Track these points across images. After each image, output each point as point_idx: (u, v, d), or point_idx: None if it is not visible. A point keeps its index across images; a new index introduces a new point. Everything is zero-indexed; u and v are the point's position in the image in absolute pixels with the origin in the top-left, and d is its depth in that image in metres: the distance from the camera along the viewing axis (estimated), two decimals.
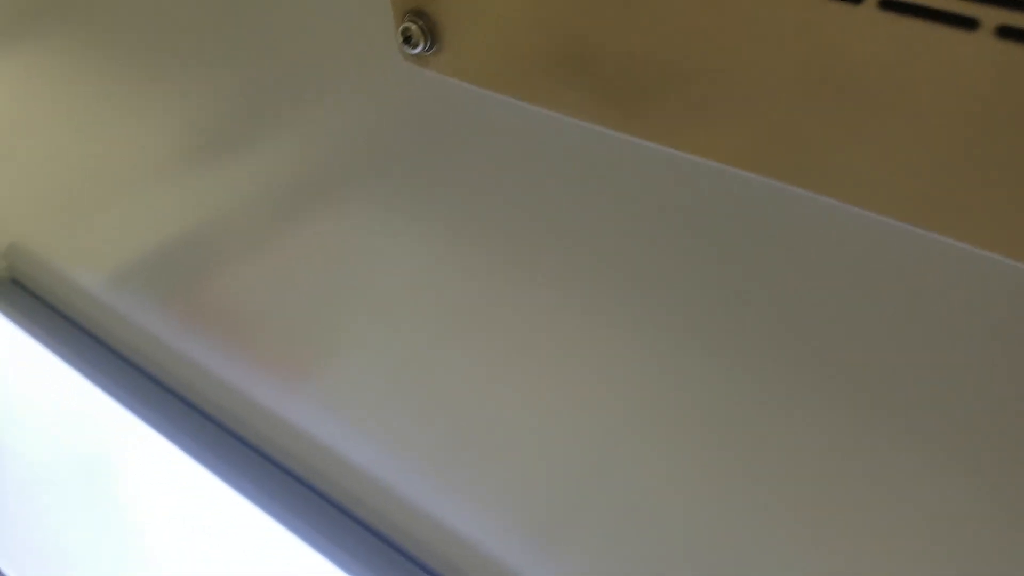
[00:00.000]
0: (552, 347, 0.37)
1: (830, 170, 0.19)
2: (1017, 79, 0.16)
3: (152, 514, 0.73)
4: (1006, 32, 0.15)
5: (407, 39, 0.23)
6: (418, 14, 0.22)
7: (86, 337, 0.75)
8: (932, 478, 0.27)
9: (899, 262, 0.23)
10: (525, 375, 0.40)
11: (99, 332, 0.75)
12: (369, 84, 0.32)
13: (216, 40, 0.41)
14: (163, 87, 0.47)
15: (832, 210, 0.23)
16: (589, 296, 0.34)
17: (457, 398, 0.44)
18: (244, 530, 0.63)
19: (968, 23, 0.16)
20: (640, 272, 0.31)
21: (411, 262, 0.41)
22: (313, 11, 0.34)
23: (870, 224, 0.22)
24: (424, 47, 0.23)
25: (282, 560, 0.61)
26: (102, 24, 0.48)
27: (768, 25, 0.18)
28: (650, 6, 0.19)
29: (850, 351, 0.26)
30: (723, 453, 0.34)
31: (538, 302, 0.36)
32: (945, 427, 0.26)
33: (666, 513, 0.38)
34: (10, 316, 0.79)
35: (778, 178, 0.20)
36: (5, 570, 0.93)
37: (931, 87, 0.17)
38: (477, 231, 0.36)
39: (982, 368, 0.23)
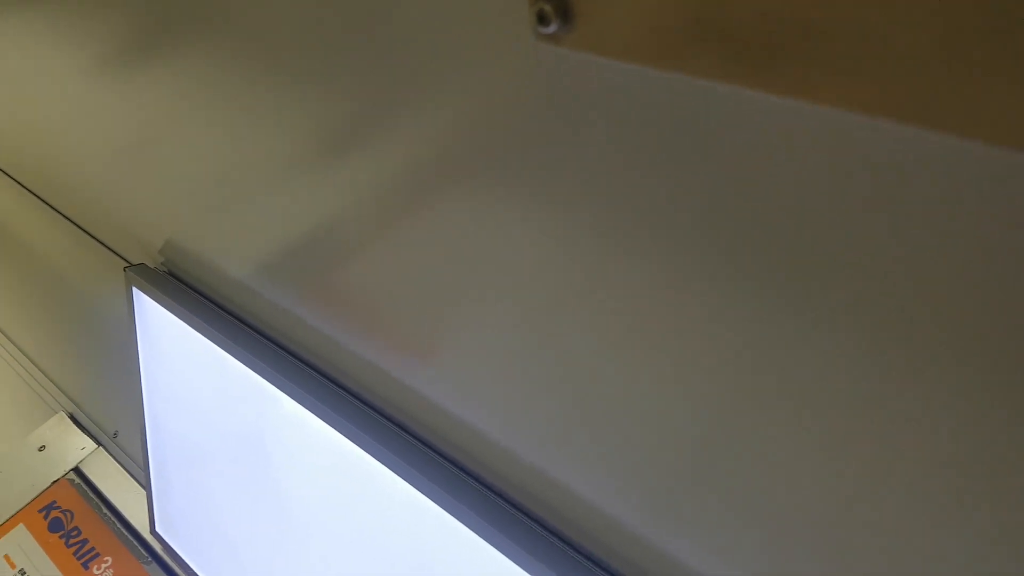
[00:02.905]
0: (662, 326, 0.38)
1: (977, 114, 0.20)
2: None
3: (297, 478, 0.78)
4: None
5: (541, 19, 0.25)
6: None
7: (233, 321, 0.82)
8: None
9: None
10: (635, 351, 0.40)
11: (245, 316, 0.81)
12: (498, 69, 0.34)
13: (346, 46, 0.43)
14: (297, 93, 0.50)
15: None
16: (705, 278, 0.34)
17: (572, 372, 0.45)
18: (380, 493, 0.67)
19: None
20: (759, 258, 0.31)
21: (527, 246, 0.42)
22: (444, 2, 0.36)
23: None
24: (557, 26, 0.25)
25: (413, 520, 0.65)
26: (241, 40, 0.52)
27: None
28: None
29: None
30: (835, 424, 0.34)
31: (654, 283, 0.37)
32: None
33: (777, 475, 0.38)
34: (167, 305, 0.88)
35: (899, 119, 0.21)
36: (165, 536, 1.03)
37: None
38: (590, 213, 0.37)
39: None
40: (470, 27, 0.35)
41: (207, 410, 0.90)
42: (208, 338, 0.83)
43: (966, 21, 0.19)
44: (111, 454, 1.20)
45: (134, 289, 0.94)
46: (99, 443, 1.22)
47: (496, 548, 0.57)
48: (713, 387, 0.39)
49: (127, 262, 1.00)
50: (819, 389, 0.34)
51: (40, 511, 1.09)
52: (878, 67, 0.19)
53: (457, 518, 0.60)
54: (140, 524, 1.08)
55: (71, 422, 1.25)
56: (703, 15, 0.21)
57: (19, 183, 1.16)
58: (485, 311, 0.49)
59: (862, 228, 0.27)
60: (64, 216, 1.09)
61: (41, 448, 1.20)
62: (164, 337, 0.93)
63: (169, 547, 1.02)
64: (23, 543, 1.06)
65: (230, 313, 0.84)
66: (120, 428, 1.18)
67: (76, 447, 1.20)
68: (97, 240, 1.05)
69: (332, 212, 0.56)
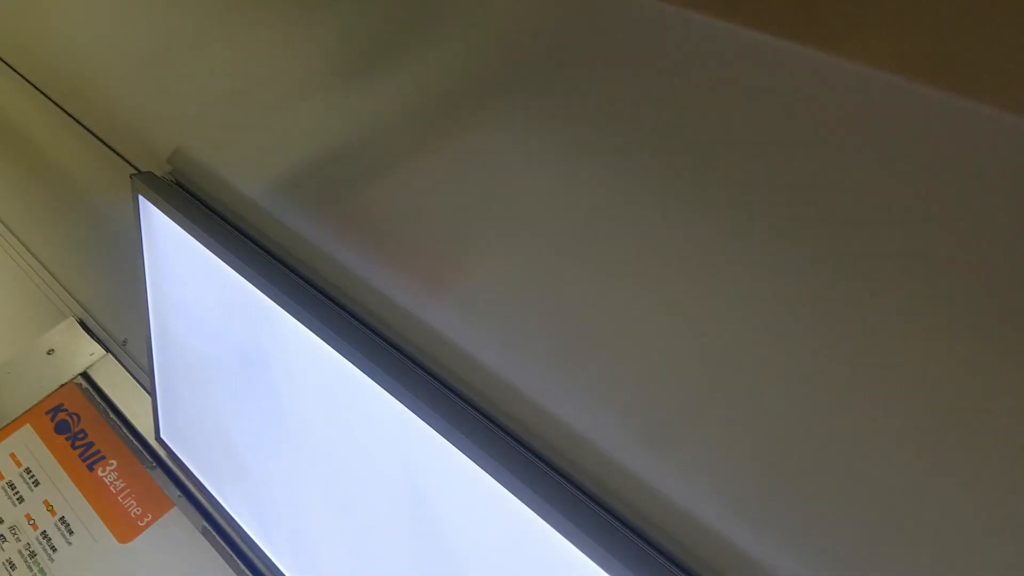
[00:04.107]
0: (672, 261, 0.36)
1: None
2: None
3: (296, 394, 0.79)
4: None
5: None
6: None
7: (238, 235, 0.81)
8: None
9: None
10: (648, 284, 0.39)
11: (252, 232, 0.80)
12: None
13: None
14: (315, 9, 0.48)
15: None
16: (720, 216, 0.32)
17: (583, 304, 0.44)
18: (375, 410, 0.67)
19: None
20: (761, 188, 0.29)
21: (542, 176, 0.40)
22: None
23: None
24: None
25: (407, 440, 0.65)
26: None
27: None
28: None
29: None
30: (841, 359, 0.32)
31: (666, 219, 0.35)
32: None
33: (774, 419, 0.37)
34: (172, 215, 0.86)
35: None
36: (170, 443, 1.05)
37: None
38: (597, 145, 0.35)
39: None
40: None
41: (210, 322, 0.90)
42: (211, 251, 0.82)
43: None
44: (120, 361, 1.21)
45: (140, 197, 0.93)
46: (108, 350, 1.23)
47: (483, 468, 0.57)
48: (725, 323, 0.37)
49: (136, 169, 0.99)
50: (827, 330, 0.33)
51: (47, 413, 1.11)
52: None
53: (445, 437, 0.60)
54: (146, 430, 1.10)
55: (80, 328, 1.26)
56: None
57: (29, 82, 1.14)
58: (501, 239, 0.47)
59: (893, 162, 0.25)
60: (74, 118, 1.08)
61: (50, 352, 1.22)
62: (169, 247, 0.92)
63: (173, 453, 1.04)
64: (29, 443, 1.08)
65: (235, 227, 0.83)
66: (129, 336, 1.19)
67: (85, 352, 1.22)
68: (106, 144, 1.03)
69: (349, 131, 0.54)
